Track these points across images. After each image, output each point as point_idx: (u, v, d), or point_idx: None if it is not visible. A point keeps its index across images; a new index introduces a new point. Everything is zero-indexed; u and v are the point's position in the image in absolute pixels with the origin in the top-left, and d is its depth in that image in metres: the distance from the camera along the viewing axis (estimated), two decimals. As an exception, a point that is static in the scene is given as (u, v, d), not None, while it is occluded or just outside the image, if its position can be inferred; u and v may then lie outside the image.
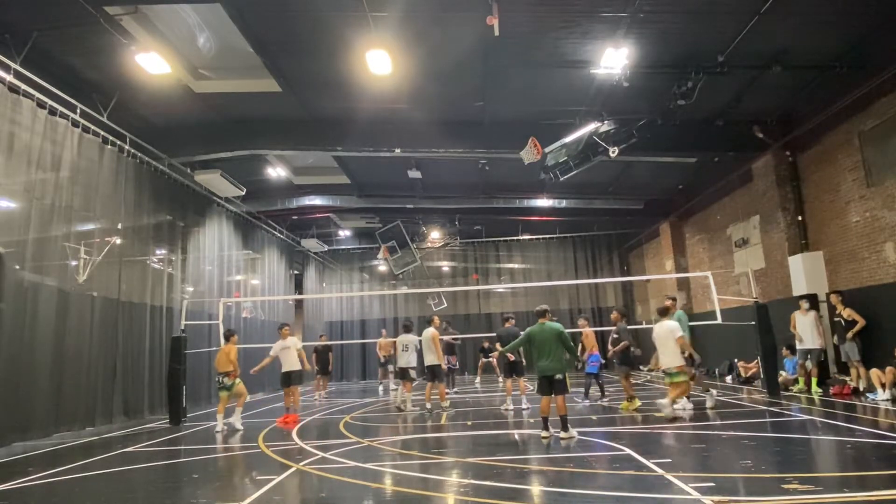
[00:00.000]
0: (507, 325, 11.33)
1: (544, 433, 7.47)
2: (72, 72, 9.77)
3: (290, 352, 10.66)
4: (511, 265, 24.55)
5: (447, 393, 12.55)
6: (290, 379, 10.64)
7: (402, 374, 11.67)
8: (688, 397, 9.31)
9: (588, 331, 11.71)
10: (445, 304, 22.93)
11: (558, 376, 7.53)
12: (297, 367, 10.73)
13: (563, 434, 7.37)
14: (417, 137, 12.64)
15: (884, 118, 9.93)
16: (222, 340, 10.14)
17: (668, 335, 8.84)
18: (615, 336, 10.78)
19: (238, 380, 9.74)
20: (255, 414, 11.92)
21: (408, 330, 11.88)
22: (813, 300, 11.35)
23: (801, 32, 9.33)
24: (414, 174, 15.25)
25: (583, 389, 11.82)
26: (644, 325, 20.66)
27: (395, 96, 11.04)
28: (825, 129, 11.31)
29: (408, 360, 11.47)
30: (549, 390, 7.56)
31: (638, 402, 9.95)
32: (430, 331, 11.20)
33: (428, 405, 10.92)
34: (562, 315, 22.38)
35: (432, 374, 11.09)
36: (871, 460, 5.64)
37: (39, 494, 5.68)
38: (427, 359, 11.07)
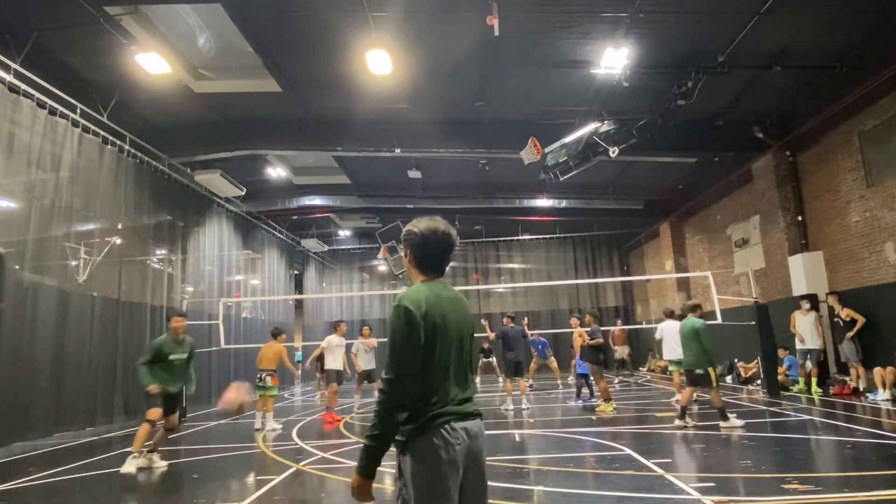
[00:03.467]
0: (509, 324, 11.33)
1: (678, 421, 7.76)
2: (72, 72, 9.77)
3: (342, 349, 10.68)
4: (511, 265, 24.53)
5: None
6: (339, 377, 10.67)
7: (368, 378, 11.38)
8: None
9: (580, 330, 11.67)
10: (445, 304, 22.88)
11: (698, 371, 7.80)
12: (341, 366, 10.72)
13: (723, 424, 7.57)
14: (417, 137, 12.63)
15: (884, 118, 9.92)
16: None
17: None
18: (589, 337, 10.84)
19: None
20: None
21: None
22: (813, 300, 11.35)
23: (801, 32, 9.32)
24: (414, 174, 15.24)
25: (574, 390, 11.82)
26: (644, 325, 20.73)
27: (395, 96, 11.03)
28: (825, 129, 11.31)
29: (367, 362, 11.30)
30: (692, 382, 7.94)
31: (613, 405, 10.09)
32: None
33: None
34: (562, 315, 22.39)
35: None
36: (871, 460, 5.64)
37: (39, 494, 5.69)
38: None
